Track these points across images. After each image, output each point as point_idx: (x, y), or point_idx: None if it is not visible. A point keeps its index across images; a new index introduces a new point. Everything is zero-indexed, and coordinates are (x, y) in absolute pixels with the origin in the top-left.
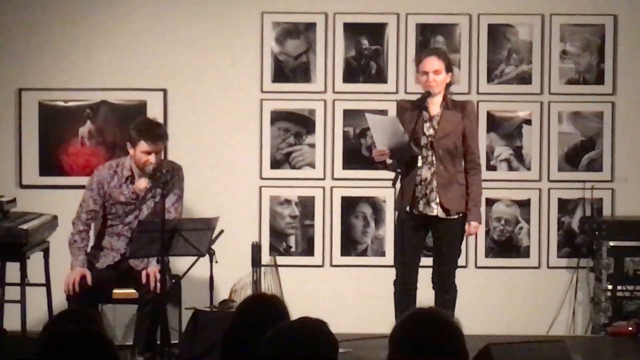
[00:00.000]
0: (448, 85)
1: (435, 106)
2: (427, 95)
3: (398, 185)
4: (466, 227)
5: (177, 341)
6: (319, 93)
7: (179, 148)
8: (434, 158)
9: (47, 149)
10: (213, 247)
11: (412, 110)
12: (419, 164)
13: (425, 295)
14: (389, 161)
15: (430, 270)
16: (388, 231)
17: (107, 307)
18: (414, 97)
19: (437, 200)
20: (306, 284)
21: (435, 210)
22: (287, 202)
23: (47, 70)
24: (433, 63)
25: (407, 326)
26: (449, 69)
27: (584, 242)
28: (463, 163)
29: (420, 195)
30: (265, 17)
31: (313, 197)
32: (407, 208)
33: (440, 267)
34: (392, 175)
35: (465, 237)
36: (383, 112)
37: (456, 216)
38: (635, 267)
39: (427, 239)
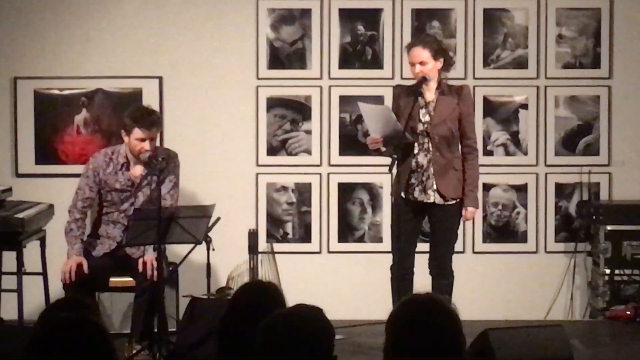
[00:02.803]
0: (444, 69)
1: (430, 92)
2: (422, 80)
3: (394, 171)
4: (463, 212)
5: (174, 329)
6: (314, 79)
7: (175, 135)
8: (430, 145)
9: (42, 138)
10: (210, 234)
11: (407, 96)
12: (415, 150)
13: (422, 281)
14: (384, 149)
15: (427, 256)
16: (385, 217)
17: (104, 296)
18: (410, 83)
19: (434, 187)
20: (303, 270)
21: (432, 197)
22: (284, 188)
23: (43, 59)
24: (418, 54)
25: (404, 312)
26: (437, 55)
27: (581, 227)
28: (460, 148)
29: (416, 182)
30: (260, 4)
31: (310, 184)
32: (402, 194)
33: (437, 252)
34: (388, 160)
35: (462, 222)
36: (379, 98)
37: (453, 202)
38: (633, 251)
39: (424, 224)
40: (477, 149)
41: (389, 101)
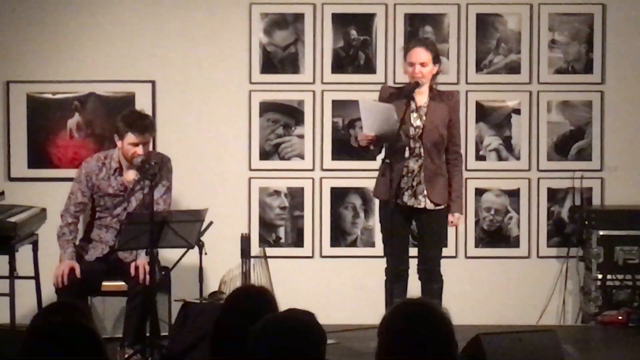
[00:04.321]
0: (435, 75)
1: (421, 96)
2: (415, 85)
3: (386, 175)
4: (450, 217)
5: (166, 333)
6: (307, 84)
7: (168, 140)
8: (421, 150)
9: (35, 142)
10: (202, 238)
11: (398, 98)
12: (406, 154)
13: (413, 285)
14: (372, 147)
15: (416, 260)
16: (377, 222)
17: (96, 300)
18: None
19: (425, 192)
20: (295, 275)
21: (423, 202)
22: (277, 193)
23: (35, 63)
24: (420, 55)
25: (396, 317)
26: (436, 60)
27: (573, 232)
28: (444, 153)
29: (405, 187)
30: (253, 8)
31: (302, 188)
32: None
33: (427, 257)
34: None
35: (453, 228)
36: None
37: (441, 207)
38: (625, 256)
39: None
40: (462, 154)
41: None
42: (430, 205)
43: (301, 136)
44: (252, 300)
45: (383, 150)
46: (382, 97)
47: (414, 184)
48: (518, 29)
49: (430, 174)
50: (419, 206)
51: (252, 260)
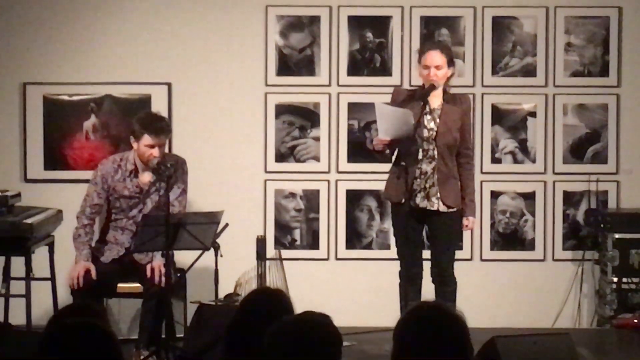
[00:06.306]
0: (448, 78)
1: (435, 99)
2: (431, 88)
3: (401, 178)
4: (464, 222)
5: (182, 335)
6: (323, 86)
7: (184, 142)
8: (435, 152)
9: (51, 143)
10: (218, 240)
11: (411, 101)
12: (419, 156)
13: (427, 288)
14: (388, 151)
15: (429, 263)
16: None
17: (111, 301)
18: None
19: (438, 195)
20: (311, 277)
21: (436, 205)
22: (292, 195)
23: (52, 65)
24: (435, 58)
25: (412, 320)
26: (450, 63)
27: (589, 235)
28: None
29: (418, 189)
30: (269, 11)
31: (318, 191)
32: (402, 200)
33: (440, 260)
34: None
35: (468, 231)
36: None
37: (454, 209)
38: None
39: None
40: (473, 157)
41: None
42: (442, 208)
43: (317, 138)
44: (268, 302)
45: (395, 153)
46: (396, 100)
47: (427, 186)
48: (534, 31)
49: (444, 177)
50: (432, 208)
51: (267, 262)
